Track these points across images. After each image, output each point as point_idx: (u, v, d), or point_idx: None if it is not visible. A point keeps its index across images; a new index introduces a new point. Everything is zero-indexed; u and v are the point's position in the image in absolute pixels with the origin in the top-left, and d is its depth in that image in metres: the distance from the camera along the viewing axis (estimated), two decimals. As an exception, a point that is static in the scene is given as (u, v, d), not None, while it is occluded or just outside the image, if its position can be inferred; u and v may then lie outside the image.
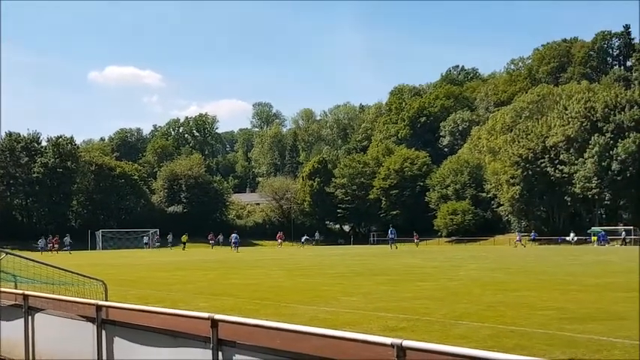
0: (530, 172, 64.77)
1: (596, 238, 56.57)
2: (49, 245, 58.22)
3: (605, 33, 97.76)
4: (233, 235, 59.35)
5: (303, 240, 71.60)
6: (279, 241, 68.54)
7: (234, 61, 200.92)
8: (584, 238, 59.59)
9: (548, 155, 64.33)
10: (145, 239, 69.50)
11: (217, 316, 5.26)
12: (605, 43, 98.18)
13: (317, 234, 79.26)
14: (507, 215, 70.89)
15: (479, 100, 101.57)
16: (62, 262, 21.23)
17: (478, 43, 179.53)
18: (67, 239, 59.35)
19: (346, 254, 41.28)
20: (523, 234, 62.96)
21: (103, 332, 6.81)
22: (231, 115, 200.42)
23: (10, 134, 78.67)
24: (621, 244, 54.83)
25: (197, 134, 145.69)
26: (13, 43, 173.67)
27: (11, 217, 73.57)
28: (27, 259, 10.16)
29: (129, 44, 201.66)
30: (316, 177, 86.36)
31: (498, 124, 79.69)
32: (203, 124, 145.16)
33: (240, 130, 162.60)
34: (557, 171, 63.13)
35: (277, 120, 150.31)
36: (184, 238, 64.13)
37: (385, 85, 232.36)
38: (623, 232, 56.84)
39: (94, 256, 48.46)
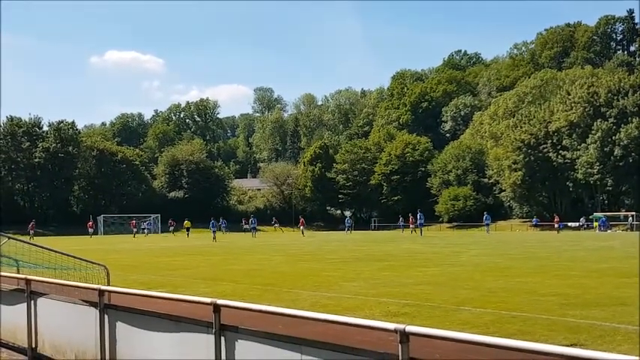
0: (532, 158, 64.64)
1: (597, 224, 56.57)
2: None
3: (609, 17, 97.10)
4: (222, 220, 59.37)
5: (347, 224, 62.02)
6: (302, 227, 56.46)
7: (235, 46, 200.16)
8: (585, 224, 59.62)
9: (550, 140, 64.17)
10: (144, 224, 67.50)
11: (220, 302, 5.24)
12: (608, 28, 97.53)
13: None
14: (509, 201, 70.89)
15: (481, 85, 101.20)
16: (65, 247, 21.25)
17: (481, 28, 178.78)
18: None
19: (347, 240, 41.35)
20: (525, 219, 62.83)
21: (106, 317, 6.82)
22: (233, 100, 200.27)
23: (11, 119, 78.68)
24: (628, 230, 54.82)
25: (198, 119, 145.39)
26: (14, 28, 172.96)
27: (13, 202, 73.75)
28: (29, 243, 10.17)
29: (129, 29, 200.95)
30: (317, 162, 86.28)
31: (501, 109, 79.43)
32: (204, 109, 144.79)
33: (242, 115, 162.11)
34: (559, 156, 63.00)
35: (279, 105, 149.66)
36: (187, 223, 56.57)
37: (387, 70, 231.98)
38: (630, 218, 56.82)
39: (96, 241, 48.60)
